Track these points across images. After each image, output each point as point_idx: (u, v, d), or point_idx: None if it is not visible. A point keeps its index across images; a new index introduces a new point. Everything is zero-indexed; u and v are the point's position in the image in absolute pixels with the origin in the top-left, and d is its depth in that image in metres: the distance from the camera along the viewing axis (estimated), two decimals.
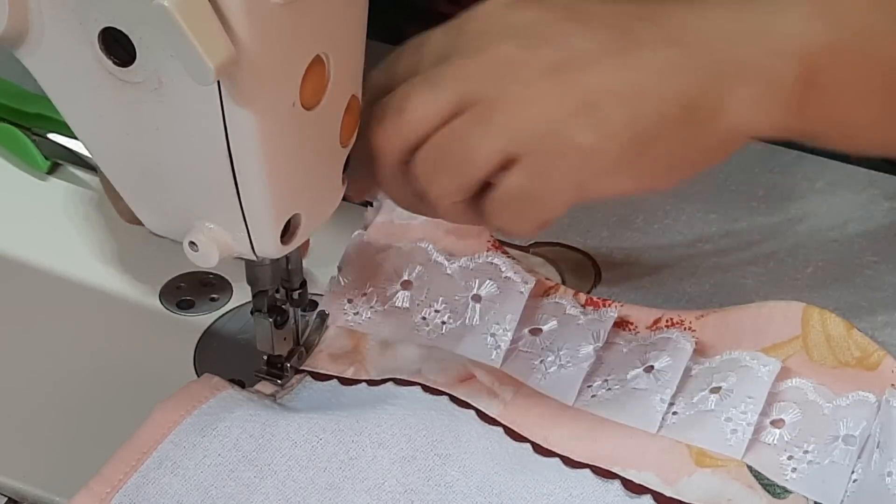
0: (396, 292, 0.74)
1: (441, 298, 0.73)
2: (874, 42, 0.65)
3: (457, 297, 0.73)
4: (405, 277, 0.74)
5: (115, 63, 0.58)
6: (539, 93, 0.63)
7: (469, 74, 0.64)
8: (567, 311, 0.73)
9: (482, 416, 0.67)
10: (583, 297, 0.74)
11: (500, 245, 0.77)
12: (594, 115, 0.63)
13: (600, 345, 0.70)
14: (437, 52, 0.66)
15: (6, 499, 0.68)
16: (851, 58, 0.65)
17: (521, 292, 0.72)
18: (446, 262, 0.74)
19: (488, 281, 0.73)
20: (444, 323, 0.73)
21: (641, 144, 0.63)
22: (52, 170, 0.88)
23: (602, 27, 0.65)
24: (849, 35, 0.65)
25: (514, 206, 0.64)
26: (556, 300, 0.73)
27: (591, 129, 0.63)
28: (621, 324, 0.73)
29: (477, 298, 0.73)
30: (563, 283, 0.78)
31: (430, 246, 0.74)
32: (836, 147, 0.71)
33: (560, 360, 0.70)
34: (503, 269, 0.73)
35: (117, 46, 0.58)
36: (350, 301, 0.74)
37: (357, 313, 0.74)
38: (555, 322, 0.72)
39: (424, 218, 0.74)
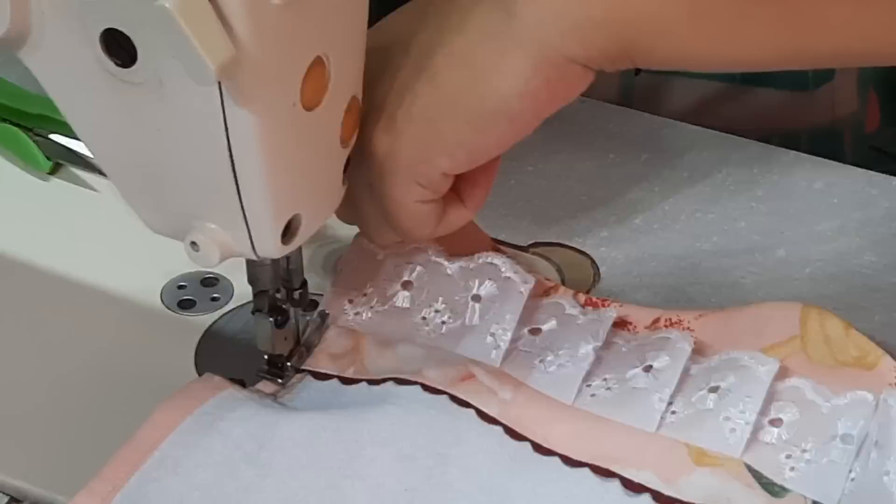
0: (397, 292, 0.74)
1: (441, 298, 0.73)
2: None
3: (456, 298, 0.73)
4: (405, 278, 0.74)
5: (116, 64, 0.59)
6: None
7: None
8: (566, 311, 0.73)
9: (482, 415, 0.67)
10: (582, 297, 0.75)
11: (500, 245, 0.77)
12: (385, 120, 0.66)
13: (599, 344, 0.71)
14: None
15: (7, 497, 0.68)
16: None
17: (521, 292, 0.72)
18: (446, 262, 0.74)
19: (488, 281, 0.73)
20: (443, 323, 0.73)
21: (428, 123, 0.65)
22: (54, 170, 0.88)
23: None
24: None
25: (392, 223, 0.69)
26: (556, 300, 0.74)
27: (385, 136, 0.66)
28: (620, 324, 0.73)
29: (477, 298, 0.73)
30: (563, 283, 0.78)
31: (430, 247, 0.75)
32: (657, 66, 0.65)
33: (559, 360, 0.70)
34: (503, 269, 0.73)
35: (118, 47, 0.58)
36: (351, 301, 0.74)
37: (357, 313, 0.74)
38: (554, 322, 0.72)
39: None
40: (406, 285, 0.74)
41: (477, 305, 0.73)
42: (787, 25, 0.61)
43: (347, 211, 0.71)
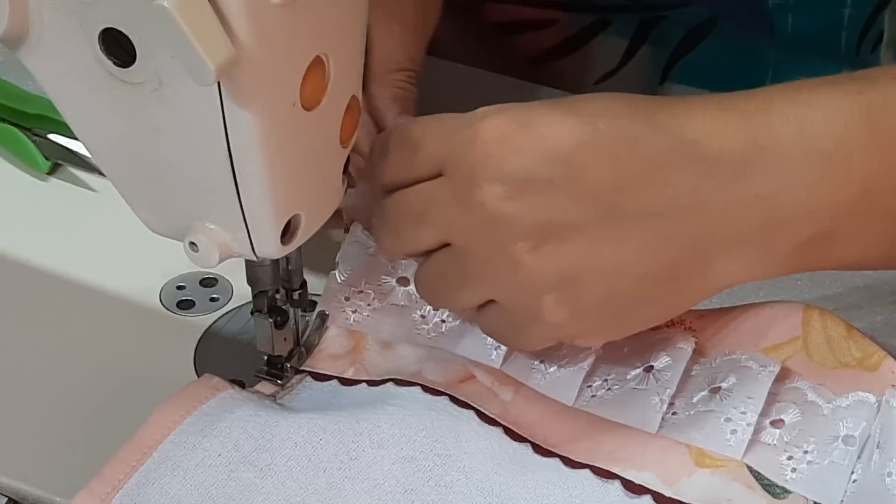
0: (393, 289, 0.74)
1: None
2: (885, 197, 0.63)
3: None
4: (401, 274, 0.74)
5: (115, 64, 0.59)
6: (519, 257, 0.62)
7: (455, 219, 0.63)
8: None
9: (482, 416, 0.67)
10: None
11: None
12: (569, 291, 0.63)
13: (601, 349, 0.71)
14: (432, 162, 0.64)
15: (6, 499, 0.68)
16: (855, 215, 0.63)
17: None
18: None
19: None
20: (443, 321, 0.73)
21: (615, 317, 0.65)
22: (53, 170, 0.88)
23: (594, 194, 0.62)
24: (855, 193, 0.62)
25: (495, 337, 0.68)
26: None
27: (564, 307, 0.63)
28: None
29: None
30: None
31: None
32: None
33: (559, 361, 0.70)
34: None
35: (117, 47, 0.58)
36: (348, 299, 0.74)
37: (356, 311, 0.74)
38: None
39: None
40: (403, 282, 0.74)
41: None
42: None
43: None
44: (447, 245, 0.65)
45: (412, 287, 0.73)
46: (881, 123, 0.62)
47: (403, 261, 0.74)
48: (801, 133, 0.62)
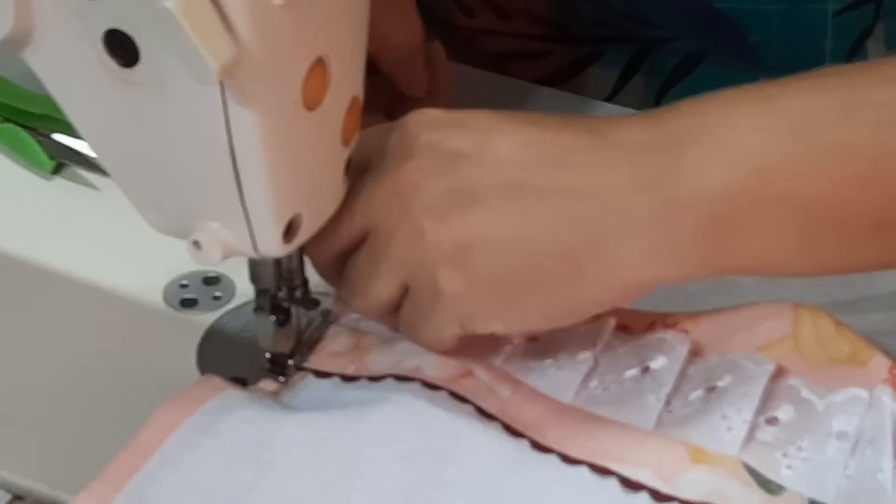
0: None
1: None
2: (779, 179, 0.62)
3: None
4: None
5: (118, 64, 0.59)
6: (423, 227, 0.64)
7: (373, 203, 0.66)
8: None
9: (480, 411, 0.68)
10: None
11: None
12: (464, 260, 0.64)
13: (598, 350, 0.71)
14: (376, 154, 0.68)
15: (10, 496, 0.68)
16: (754, 199, 0.62)
17: None
18: None
19: None
20: None
21: (509, 294, 0.65)
22: (57, 170, 0.88)
23: (500, 167, 0.64)
24: (751, 174, 0.62)
25: (411, 331, 0.68)
26: None
27: (458, 275, 0.64)
28: (618, 326, 0.73)
29: None
30: None
31: None
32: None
33: (558, 363, 0.71)
34: None
35: (121, 48, 0.58)
36: None
37: (361, 319, 0.74)
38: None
39: None
40: None
41: None
42: (894, 251, 0.64)
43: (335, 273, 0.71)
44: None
45: None
46: (776, 108, 0.62)
47: None
48: (695, 122, 0.63)
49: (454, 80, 0.87)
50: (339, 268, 0.70)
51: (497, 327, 0.67)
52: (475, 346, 0.71)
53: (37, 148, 0.88)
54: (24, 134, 0.88)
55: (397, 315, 0.69)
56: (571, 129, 0.65)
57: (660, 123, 0.64)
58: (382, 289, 0.68)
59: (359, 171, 0.68)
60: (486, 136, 0.65)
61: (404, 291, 0.67)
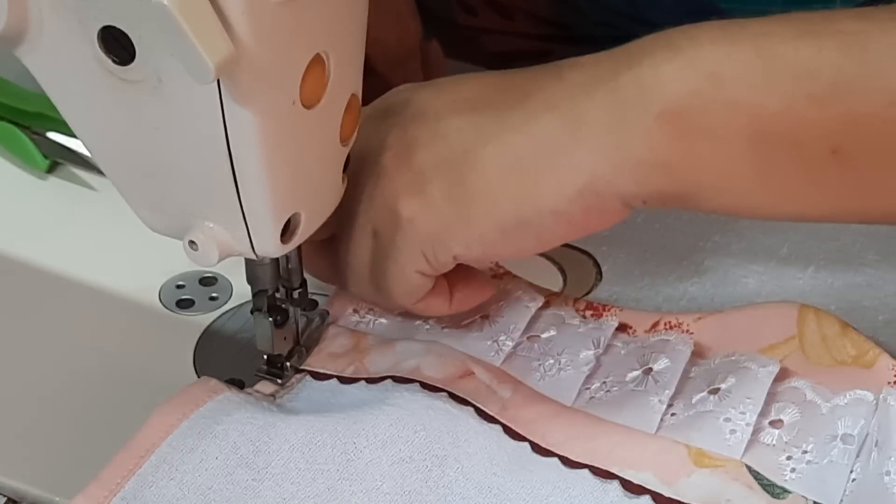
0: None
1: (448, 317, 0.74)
2: (735, 87, 0.61)
3: (464, 318, 0.73)
4: None
5: (114, 62, 0.58)
6: (384, 164, 0.67)
7: (356, 153, 0.67)
8: (566, 322, 0.73)
9: (481, 413, 0.67)
10: (582, 303, 0.75)
11: (507, 271, 0.77)
12: (420, 184, 0.65)
13: (601, 350, 0.70)
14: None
15: (5, 499, 0.68)
16: (706, 102, 0.61)
17: (528, 307, 0.73)
18: None
19: (499, 302, 0.73)
20: (444, 328, 0.73)
21: (463, 209, 0.65)
22: (52, 169, 0.88)
23: (458, 99, 0.67)
24: (704, 78, 0.61)
25: (380, 281, 0.69)
26: (556, 311, 0.74)
27: (415, 200, 0.66)
28: (620, 327, 0.73)
29: (485, 316, 0.73)
30: (565, 282, 0.78)
31: None
32: (712, 212, 0.65)
33: (559, 364, 0.70)
34: (512, 292, 0.74)
35: (117, 45, 0.58)
36: (356, 311, 0.74)
37: (361, 322, 0.74)
38: (553, 330, 0.72)
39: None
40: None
41: (484, 321, 0.73)
42: (854, 190, 0.62)
43: (324, 264, 0.72)
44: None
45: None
46: (739, 26, 0.62)
47: None
48: (655, 38, 0.63)
49: None
50: (327, 258, 0.71)
51: (457, 250, 0.66)
52: (474, 340, 0.71)
53: (31, 147, 0.87)
54: (18, 132, 0.88)
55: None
56: (530, 70, 0.67)
57: (619, 48, 0.64)
58: (359, 245, 0.68)
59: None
60: (451, 81, 0.69)
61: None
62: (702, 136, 0.61)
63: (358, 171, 0.68)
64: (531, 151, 0.64)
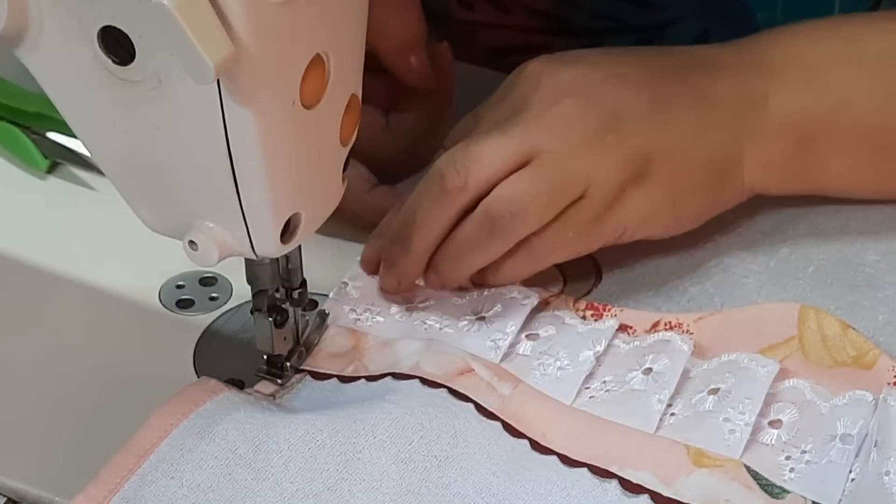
0: (401, 311, 0.74)
1: (444, 316, 0.73)
2: (859, 112, 0.74)
3: (459, 317, 0.73)
4: (412, 304, 0.74)
5: (114, 62, 0.58)
6: (597, 146, 0.71)
7: (535, 128, 0.71)
8: (565, 322, 0.73)
9: (480, 409, 0.67)
10: (582, 303, 0.74)
11: None
12: (644, 167, 0.71)
13: (601, 350, 0.70)
14: (498, 115, 0.73)
15: (5, 499, 0.67)
16: (840, 127, 0.74)
17: (524, 305, 0.73)
18: (456, 296, 0.74)
19: (496, 304, 0.73)
20: (441, 329, 0.73)
21: (678, 195, 0.73)
22: (52, 169, 0.88)
23: (639, 87, 0.73)
24: (835, 106, 0.73)
25: (566, 240, 0.72)
26: (555, 312, 0.74)
27: (640, 180, 0.71)
28: (620, 327, 0.73)
29: (481, 318, 0.73)
30: (564, 282, 0.78)
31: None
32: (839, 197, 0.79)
33: (559, 363, 0.70)
34: (506, 293, 0.74)
35: (116, 45, 0.58)
36: (353, 311, 0.75)
37: (358, 320, 0.74)
38: (553, 329, 0.72)
39: None
40: (410, 309, 0.74)
41: (482, 323, 0.73)
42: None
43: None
44: None
45: (418, 312, 0.74)
46: (858, 47, 0.73)
47: (418, 295, 0.75)
48: (787, 52, 0.74)
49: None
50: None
51: (656, 230, 0.74)
52: (473, 340, 0.72)
53: (31, 147, 0.87)
54: (18, 132, 0.88)
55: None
56: (668, 53, 0.75)
57: (751, 49, 0.75)
58: (551, 201, 0.70)
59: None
60: (607, 64, 0.74)
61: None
62: (832, 152, 0.74)
63: (551, 134, 0.71)
64: (722, 149, 0.73)
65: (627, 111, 0.71)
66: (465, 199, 0.70)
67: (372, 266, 0.76)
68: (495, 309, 0.73)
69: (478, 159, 0.70)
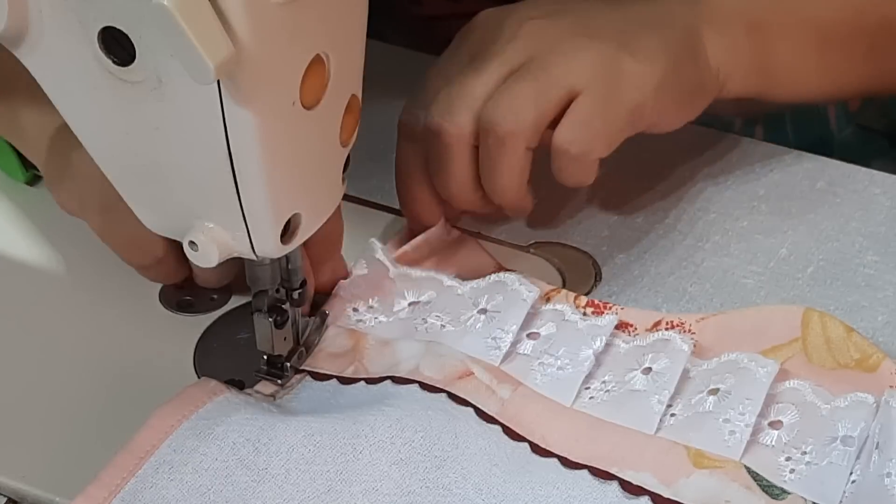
0: (403, 308, 0.74)
1: (447, 310, 0.73)
2: (799, 5, 0.81)
3: (462, 310, 0.73)
4: (413, 299, 0.74)
5: (114, 62, 0.58)
6: (583, 44, 0.75)
7: (517, 45, 0.75)
8: (566, 318, 0.73)
9: (480, 413, 0.67)
10: (583, 299, 0.74)
11: (500, 244, 0.77)
12: (635, 45, 0.75)
13: (600, 348, 0.70)
14: (460, 62, 0.77)
15: (6, 499, 0.67)
16: (782, 16, 0.80)
17: (525, 300, 0.73)
18: (458, 285, 0.74)
19: (497, 296, 0.73)
20: (443, 326, 0.73)
21: (671, 70, 0.75)
22: (33, 182, 0.85)
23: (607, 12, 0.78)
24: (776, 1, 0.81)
25: (581, 128, 0.74)
26: (556, 307, 0.73)
27: (635, 57, 0.75)
28: (621, 326, 0.73)
29: (483, 311, 0.73)
30: (564, 282, 0.78)
31: (444, 275, 0.75)
32: (786, 101, 0.84)
33: (559, 363, 0.70)
34: (509, 284, 0.73)
35: (117, 46, 0.58)
36: (355, 310, 0.74)
37: (360, 321, 0.74)
38: (553, 326, 0.72)
39: (439, 258, 0.77)
40: (412, 305, 0.74)
41: (482, 316, 0.73)
42: (883, 73, 0.85)
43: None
44: None
45: (420, 307, 0.74)
46: None
47: (418, 289, 0.75)
48: None
49: (413, 70, 0.85)
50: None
51: (657, 112, 0.76)
52: (473, 339, 0.71)
53: (13, 158, 0.84)
54: (1, 142, 0.86)
55: None
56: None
57: None
58: (554, 93, 0.73)
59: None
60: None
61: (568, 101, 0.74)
62: (779, 43, 0.80)
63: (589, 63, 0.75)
64: (689, 36, 0.78)
65: (597, 23, 0.77)
66: (479, 92, 0.74)
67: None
68: (497, 301, 0.73)
69: (482, 64, 0.75)
